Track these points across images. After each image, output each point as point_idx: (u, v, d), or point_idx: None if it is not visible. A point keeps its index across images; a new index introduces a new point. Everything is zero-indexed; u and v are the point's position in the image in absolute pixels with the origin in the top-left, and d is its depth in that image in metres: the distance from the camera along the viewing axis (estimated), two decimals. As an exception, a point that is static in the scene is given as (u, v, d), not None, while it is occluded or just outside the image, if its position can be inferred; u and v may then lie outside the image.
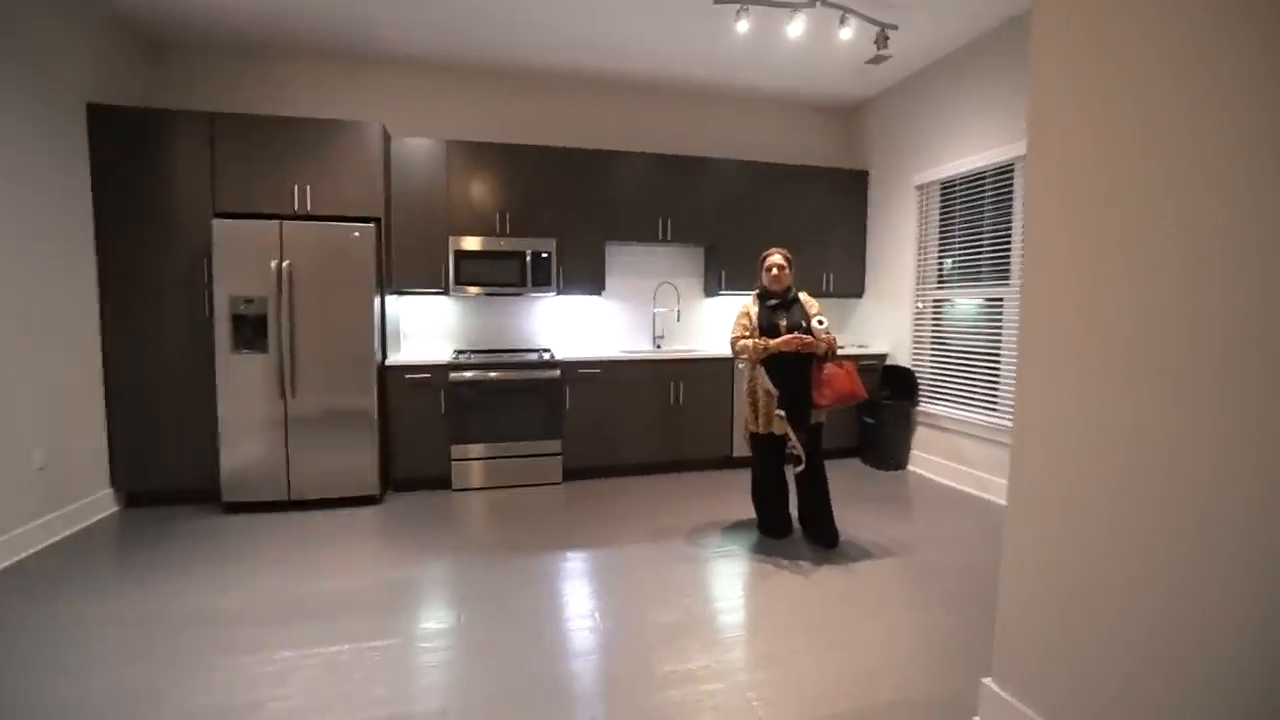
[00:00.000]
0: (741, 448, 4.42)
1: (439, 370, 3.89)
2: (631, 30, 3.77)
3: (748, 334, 3.00)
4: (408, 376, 3.85)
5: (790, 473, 3.12)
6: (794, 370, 2.91)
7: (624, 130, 4.73)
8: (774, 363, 2.93)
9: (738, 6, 3.33)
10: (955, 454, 4.16)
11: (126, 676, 1.98)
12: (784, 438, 2.98)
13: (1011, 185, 3.72)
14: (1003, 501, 3.59)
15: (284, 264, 3.51)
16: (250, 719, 1.78)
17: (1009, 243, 3.74)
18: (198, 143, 3.52)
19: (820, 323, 2.93)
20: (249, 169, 3.58)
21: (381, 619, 2.36)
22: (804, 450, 2.96)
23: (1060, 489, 1.52)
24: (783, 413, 2.92)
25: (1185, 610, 1.24)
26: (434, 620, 2.38)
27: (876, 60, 3.98)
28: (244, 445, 3.53)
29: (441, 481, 3.96)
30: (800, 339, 2.86)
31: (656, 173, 4.49)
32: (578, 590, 2.66)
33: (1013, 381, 3.66)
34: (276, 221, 3.51)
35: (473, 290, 4.18)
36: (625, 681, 1.99)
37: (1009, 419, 3.67)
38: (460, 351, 4.36)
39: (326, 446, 3.62)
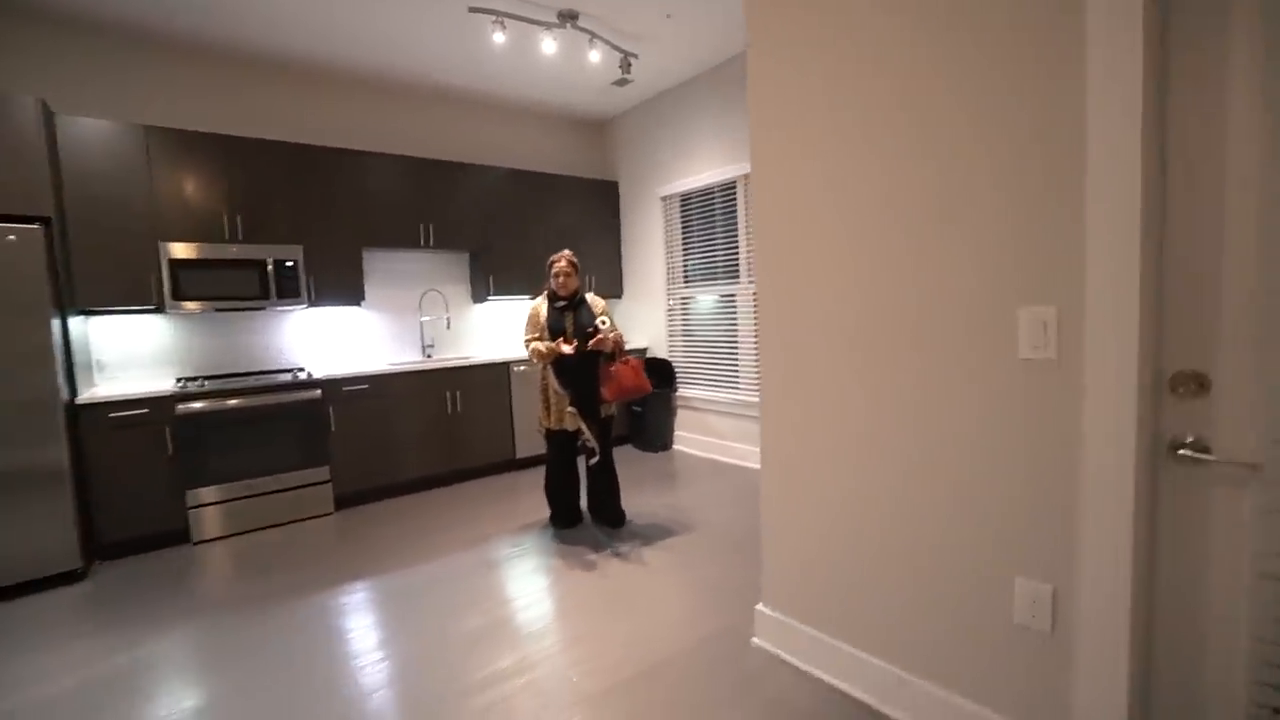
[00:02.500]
0: (524, 449, 4.53)
1: (161, 403, 3.22)
2: (387, 25, 3.55)
3: (537, 336, 3.11)
4: (113, 415, 3.10)
5: (582, 464, 3.32)
6: (582, 369, 3.10)
7: (378, 130, 4.43)
8: (563, 363, 3.09)
9: (493, 18, 3.39)
10: (709, 430, 4.84)
11: None
12: (576, 433, 3.16)
13: (735, 199, 4.45)
14: (749, 464, 4.33)
15: (-112, 280, 2.57)
16: None
17: (737, 247, 4.48)
18: None
19: (604, 322, 3.13)
20: None
21: (112, 718, 1.92)
22: (596, 442, 3.18)
23: (795, 450, 1.96)
24: (574, 409, 3.10)
25: (891, 536, 1.73)
26: (189, 696, 2.01)
27: (621, 83, 4.40)
28: None
29: (176, 537, 3.29)
30: (593, 342, 3.02)
31: (416, 177, 4.31)
32: (365, 623, 2.46)
33: (749, 363, 4.43)
34: None
35: (198, 306, 3.53)
36: (435, 700, 1.95)
37: (748, 394, 4.43)
38: (188, 379, 3.65)
39: (-10, 519, 2.75)
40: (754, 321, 4.30)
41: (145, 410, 3.18)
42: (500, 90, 4.68)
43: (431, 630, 2.37)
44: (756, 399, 4.23)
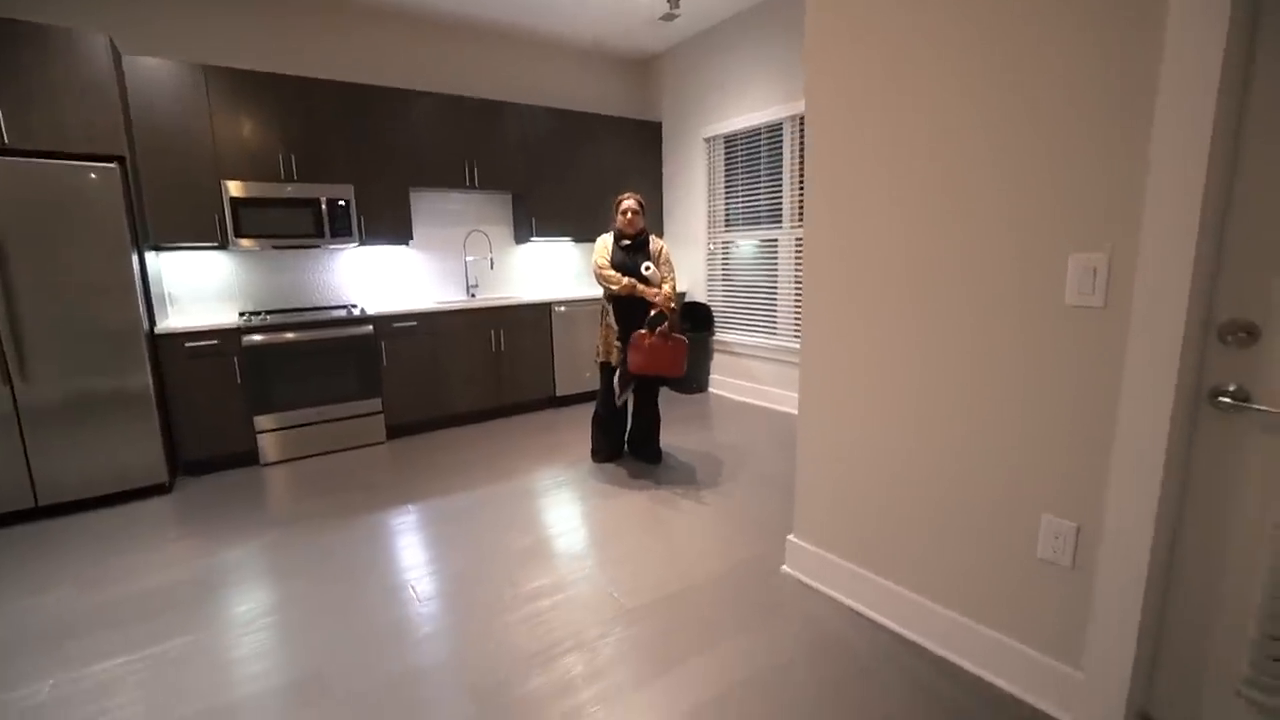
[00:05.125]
0: (564, 386, 4.68)
1: (229, 334, 3.44)
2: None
3: (610, 264, 3.15)
4: (189, 345, 3.34)
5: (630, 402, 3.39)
6: (636, 312, 3.13)
7: (425, 69, 4.44)
8: (621, 301, 3.16)
9: (538, -52, 3.32)
10: (746, 374, 4.90)
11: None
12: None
13: (781, 141, 4.34)
14: (784, 409, 4.39)
15: (-18, 213, 2.78)
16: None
17: (780, 191, 4.40)
18: None
19: (647, 269, 3.14)
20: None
21: (200, 610, 2.16)
22: (623, 382, 3.22)
23: (833, 386, 2.01)
24: (620, 344, 3.18)
25: (923, 471, 1.79)
26: (264, 597, 2.24)
27: (668, 17, 4.26)
28: (-46, 449, 2.82)
29: (246, 458, 3.59)
30: (659, 329, 2.98)
31: (461, 115, 4.33)
32: (417, 540, 2.66)
33: (789, 308, 4.42)
34: (-42, 158, 2.74)
35: (257, 243, 3.70)
36: (491, 605, 2.15)
37: (786, 340, 4.45)
38: (251, 314, 3.87)
39: (88, 437, 3.04)
40: (796, 266, 4.27)
41: (215, 341, 3.41)
42: (544, 25, 4.59)
43: (479, 548, 2.56)
44: (795, 344, 4.25)
